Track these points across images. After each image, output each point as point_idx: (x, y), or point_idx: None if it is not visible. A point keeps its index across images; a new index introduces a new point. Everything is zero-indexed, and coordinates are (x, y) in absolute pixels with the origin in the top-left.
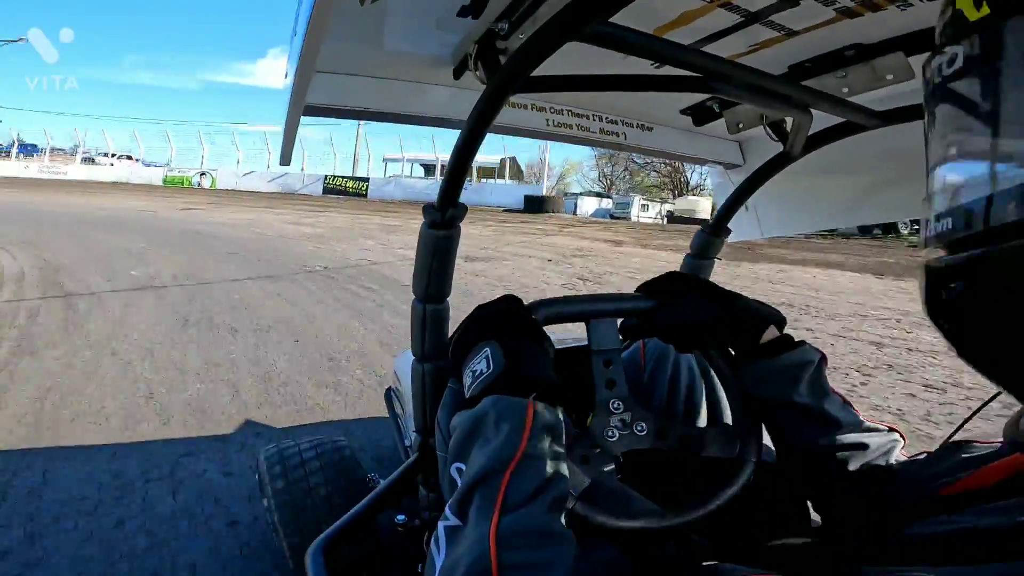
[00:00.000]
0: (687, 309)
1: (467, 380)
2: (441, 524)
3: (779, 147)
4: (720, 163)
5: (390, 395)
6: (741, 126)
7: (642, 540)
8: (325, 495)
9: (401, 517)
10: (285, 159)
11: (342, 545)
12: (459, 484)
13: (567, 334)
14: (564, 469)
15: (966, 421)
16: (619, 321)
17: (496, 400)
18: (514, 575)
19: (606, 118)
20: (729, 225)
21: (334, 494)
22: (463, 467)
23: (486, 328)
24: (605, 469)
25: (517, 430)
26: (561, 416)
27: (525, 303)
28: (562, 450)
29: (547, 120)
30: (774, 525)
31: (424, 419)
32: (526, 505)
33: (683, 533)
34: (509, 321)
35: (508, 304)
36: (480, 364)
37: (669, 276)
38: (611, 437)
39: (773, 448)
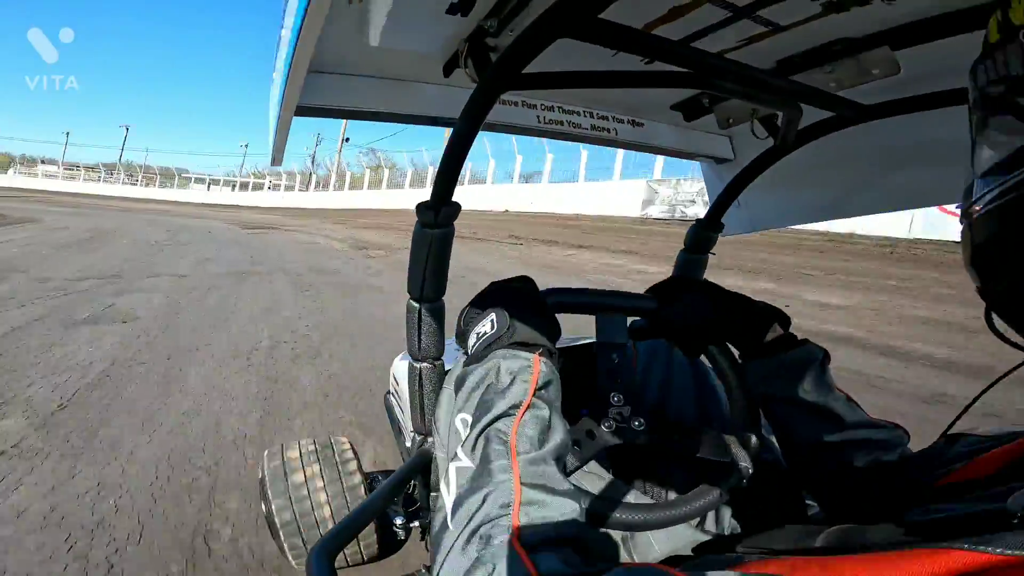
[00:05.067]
0: (694, 310)
1: (471, 341)
2: (452, 465)
3: (769, 142)
4: (711, 158)
5: (389, 399)
6: (731, 121)
7: (625, 529)
8: (327, 496)
9: (400, 518)
10: (276, 160)
11: (343, 548)
12: (465, 431)
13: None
14: (564, 426)
15: (963, 412)
16: (628, 320)
17: (505, 353)
18: (531, 511)
19: (597, 114)
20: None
21: (336, 495)
22: (468, 417)
23: (497, 299)
24: (596, 456)
25: (525, 380)
26: (559, 378)
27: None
28: (559, 408)
29: (538, 117)
30: (768, 522)
31: (421, 419)
32: (535, 452)
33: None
34: (518, 296)
35: (521, 283)
36: (485, 327)
37: (676, 280)
38: (608, 428)
39: (775, 445)
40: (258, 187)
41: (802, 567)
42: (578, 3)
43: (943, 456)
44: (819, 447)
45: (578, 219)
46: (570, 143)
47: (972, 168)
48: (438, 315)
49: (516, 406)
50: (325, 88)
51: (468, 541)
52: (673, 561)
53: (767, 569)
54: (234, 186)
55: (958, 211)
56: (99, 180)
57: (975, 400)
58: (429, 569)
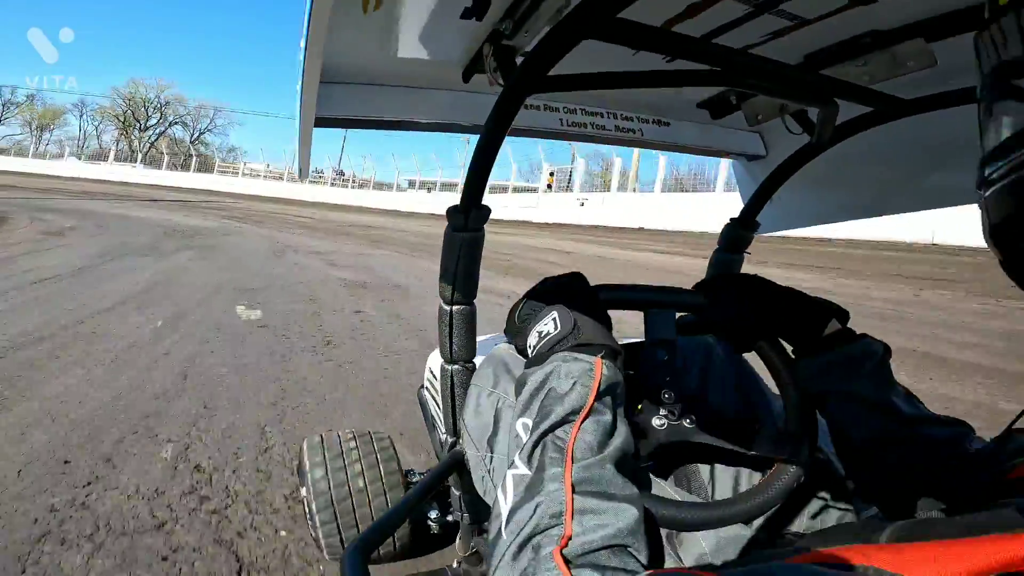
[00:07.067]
0: (744, 306)
1: (532, 340)
2: (510, 472)
3: (802, 137)
4: (742, 155)
5: (423, 393)
6: (760, 117)
7: (680, 529)
8: (364, 488)
9: (435, 514)
10: (304, 173)
11: (378, 546)
12: (525, 437)
13: None
14: (626, 429)
15: None
16: (676, 315)
17: (566, 356)
18: (584, 519)
19: (621, 115)
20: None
21: (373, 488)
22: (529, 422)
23: (553, 296)
24: (648, 454)
25: (586, 385)
26: (623, 380)
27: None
28: (623, 411)
29: (560, 120)
30: (819, 520)
31: (453, 421)
32: (593, 457)
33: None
34: (575, 292)
35: (574, 279)
36: (547, 325)
37: (727, 275)
38: (660, 426)
39: (828, 443)
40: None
41: (873, 553)
42: (598, 4)
43: (1006, 451)
44: (878, 445)
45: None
46: None
47: (982, 142)
48: (470, 318)
49: (576, 412)
50: (344, 99)
51: (520, 550)
52: (718, 558)
53: (831, 557)
54: (454, 188)
55: None
56: (306, 182)
57: None
58: (459, 564)
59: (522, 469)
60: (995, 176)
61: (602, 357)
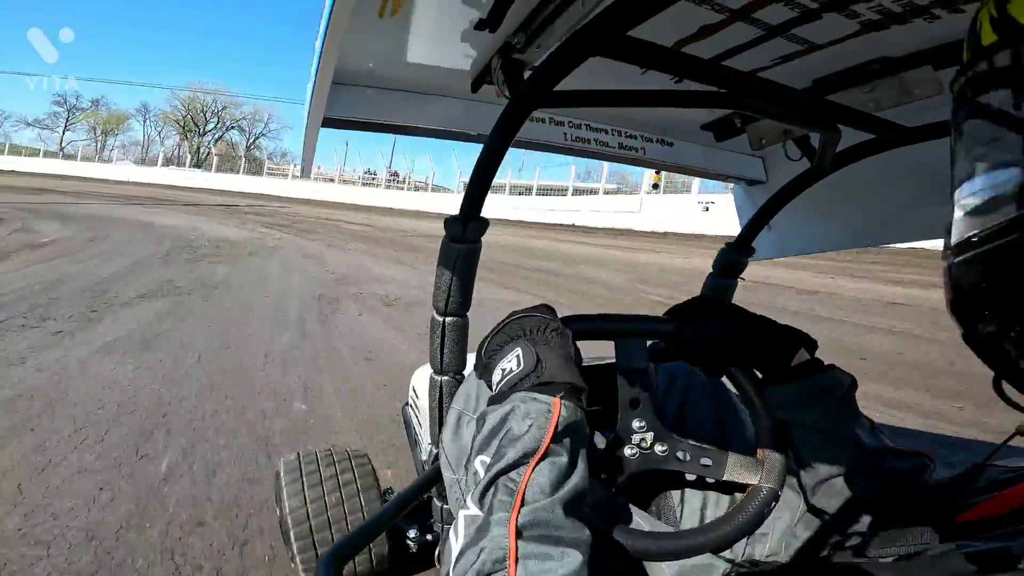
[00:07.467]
0: (716, 331)
1: (496, 377)
2: (461, 513)
3: (802, 163)
4: (743, 179)
5: (407, 410)
6: (764, 142)
7: (650, 559)
8: (342, 506)
9: (413, 531)
10: (306, 172)
11: (353, 556)
12: (481, 476)
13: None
14: (584, 470)
15: (999, 448)
16: (647, 343)
17: (524, 396)
18: (528, 564)
19: (625, 133)
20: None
21: (351, 506)
22: (487, 460)
23: (519, 330)
24: (619, 483)
25: (542, 427)
26: (584, 419)
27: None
28: (584, 450)
29: (565, 134)
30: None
31: (439, 431)
32: (545, 500)
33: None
34: (541, 326)
35: (542, 312)
36: (510, 363)
37: (698, 300)
38: (632, 456)
39: (795, 471)
40: (540, 192)
41: None
42: (609, 21)
43: (968, 488)
44: (840, 476)
45: None
46: None
47: (954, 202)
48: (462, 330)
49: (530, 454)
50: (353, 100)
51: None
52: None
53: None
54: (528, 191)
55: None
56: (359, 184)
57: (1012, 436)
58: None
59: (473, 510)
60: (971, 241)
61: (563, 396)
